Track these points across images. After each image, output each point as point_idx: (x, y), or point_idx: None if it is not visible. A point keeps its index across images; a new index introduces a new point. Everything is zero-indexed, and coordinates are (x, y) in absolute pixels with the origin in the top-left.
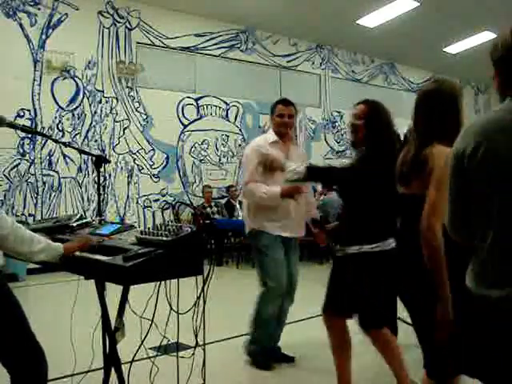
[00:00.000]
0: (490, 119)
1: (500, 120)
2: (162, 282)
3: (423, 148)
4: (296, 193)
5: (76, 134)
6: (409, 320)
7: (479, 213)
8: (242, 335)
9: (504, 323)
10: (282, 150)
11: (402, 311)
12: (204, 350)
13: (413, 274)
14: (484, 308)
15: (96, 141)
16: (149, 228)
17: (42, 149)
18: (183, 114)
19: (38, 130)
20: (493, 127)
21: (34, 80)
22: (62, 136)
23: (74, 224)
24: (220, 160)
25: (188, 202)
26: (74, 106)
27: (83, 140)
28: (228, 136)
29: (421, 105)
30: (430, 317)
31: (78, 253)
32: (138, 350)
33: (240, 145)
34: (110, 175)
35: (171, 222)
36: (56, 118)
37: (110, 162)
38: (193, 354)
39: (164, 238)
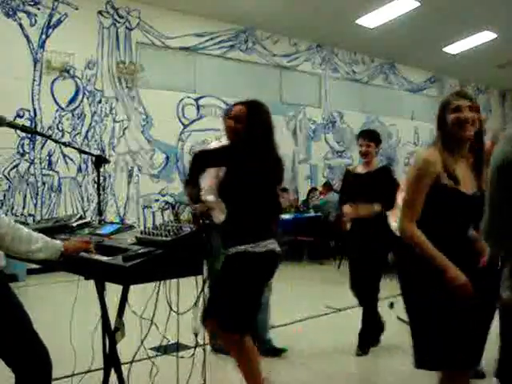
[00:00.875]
0: None
1: None
2: (162, 282)
3: None
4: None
5: (76, 134)
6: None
7: None
8: None
9: None
10: None
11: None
12: (204, 350)
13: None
14: None
15: (96, 141)
16: (149, 228)
17: (41, 149)
18: (183, 113)
19: (38, 130)
20: None
21: (34, 80)
22: (62, 136)
23: (74, 224)
24: None
25: (188, 202)
26: (74, 106)
27: (83, 140)
28: None
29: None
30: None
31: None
32: (137, 350)
33: None
34: (109, 175)
35: (171, 222)
36: (56, 118)
37: (109, 162)
38: (193, 354)
39: (164, 238)
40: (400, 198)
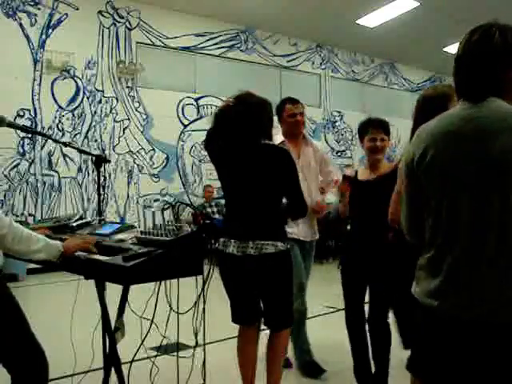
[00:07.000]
0: (441, 124)
1: (447, 126)
2: (162, 282)
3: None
4: None
5: (76, 134)
6: None
7: (430, 219)
8: None
9: (444, 332)
10: (291, 150)
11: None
12: (204, 350)
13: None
14: (427, 317)
15: (96, 141)
16: (149, 228)
17: (41, 149)
18: (183, 113)
19: (38, 129)
20: (441, 133)
21: (34, 80)
22: (62, 136)
23: (74, 224)
24: None
25: (188, 202)
26: (74, 106)
27: (83, 140)
28: None
29: (415, 109)
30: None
31: (78, 252)
32: (137, 350)
33: None
34: (110, 175)
35: (171, 222)
36: (56, 117)
37: (109, 161)
38: (193, 354)
39: (164, 238)
40: None
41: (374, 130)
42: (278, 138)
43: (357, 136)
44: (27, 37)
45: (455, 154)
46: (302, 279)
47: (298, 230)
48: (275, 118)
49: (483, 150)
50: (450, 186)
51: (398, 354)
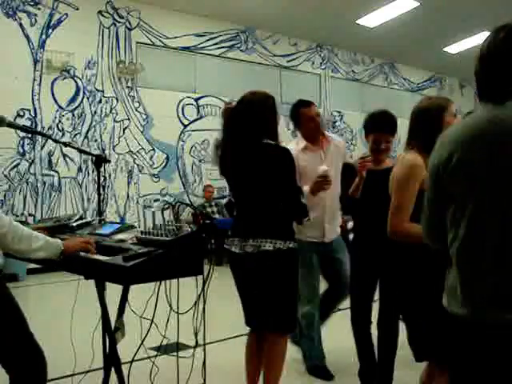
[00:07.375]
0: (465, 128)
1: (473, 129)
2: (162, 282)
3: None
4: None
5: (76, 134)
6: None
7: (453, 224)
8: (243, 335)
9: (473, 342)
10: (316, 152)
11: None
12: (204, 350)
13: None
14: (455, 326)
15: (96, 141)
16: (149, 228)
17: (41, 149)
18: (183, 113)
19: (38, 129)
20: (466, 137)
21: (34, 80)
22: (62, 136)
23: (74, 224)
24: None
25: (188, 202)
26: (74, 106)
27: (83, 140)
28: None
29: (411, 120)
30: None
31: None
32: (137, 350)
33: None
34: (110, 175)
35: (171, 222)
36: (56, 117)
37: (109, 161)
38: (193, 354)
39: (164, 238)
40: None
41: (378, 133)
42: (300, 143)
43: (357, 136)
44: (27, 37)
45: (482, 156)
46: (316, 284)
47: (320, 231)
48: (282, 119)
49: (511, 151)
50: (477, 188)
51: (403, 354)
